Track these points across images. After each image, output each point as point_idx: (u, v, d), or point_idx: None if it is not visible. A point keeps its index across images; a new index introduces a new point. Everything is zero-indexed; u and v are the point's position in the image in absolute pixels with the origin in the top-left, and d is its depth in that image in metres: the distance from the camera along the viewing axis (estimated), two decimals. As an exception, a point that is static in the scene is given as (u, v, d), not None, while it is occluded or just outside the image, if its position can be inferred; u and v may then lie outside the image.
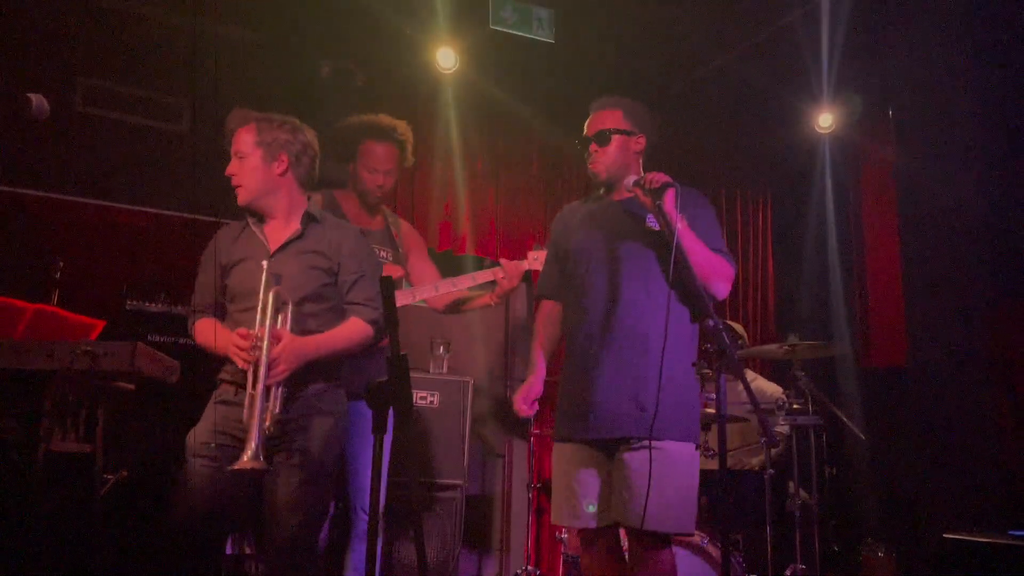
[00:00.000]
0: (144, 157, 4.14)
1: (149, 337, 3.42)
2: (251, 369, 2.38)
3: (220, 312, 2.65)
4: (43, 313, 2.63)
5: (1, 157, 3.71)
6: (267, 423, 2.35)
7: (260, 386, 2.35)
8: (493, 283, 3.26)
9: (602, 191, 2.82)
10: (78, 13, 4.07)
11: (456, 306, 3.47)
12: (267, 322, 2.41)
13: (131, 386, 2.69)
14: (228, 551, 3.30)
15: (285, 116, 2.67)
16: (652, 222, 2.63)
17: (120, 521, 2.82)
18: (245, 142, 2.60)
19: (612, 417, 2.51)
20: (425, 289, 3.33)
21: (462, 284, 3.29)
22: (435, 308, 3.50)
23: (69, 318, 2.68)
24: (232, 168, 2.61)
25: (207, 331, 2.58)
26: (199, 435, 2.49)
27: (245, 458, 2.26)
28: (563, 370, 2.71)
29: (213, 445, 2.42)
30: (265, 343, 2.39)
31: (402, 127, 3.40)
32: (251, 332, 2.42)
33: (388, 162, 3.35)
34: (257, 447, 2.28)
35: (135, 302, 3.49)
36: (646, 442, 2.44)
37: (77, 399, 2.49)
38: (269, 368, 2.37)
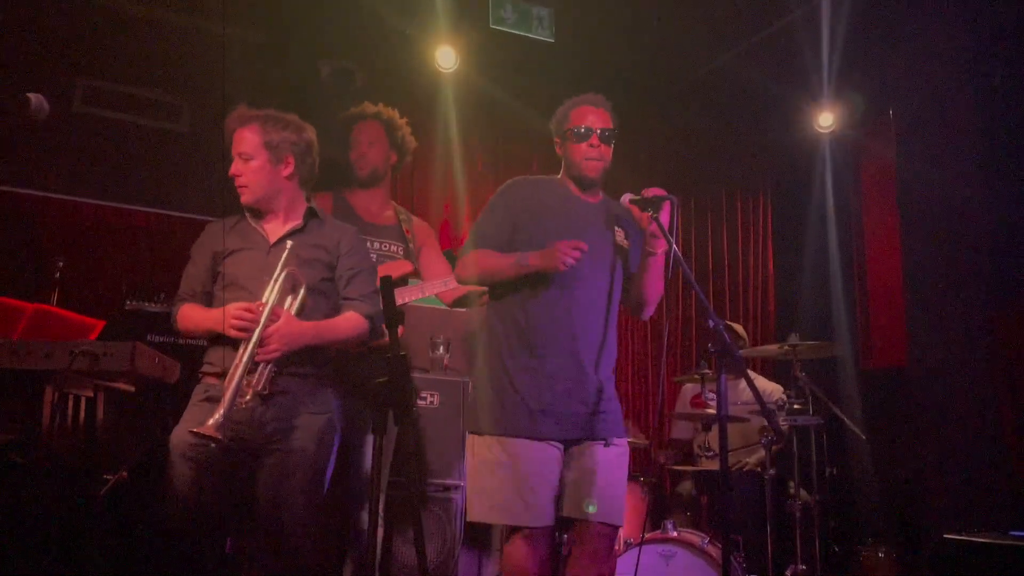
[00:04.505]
0: (144, 157, 4.14)
1: (149, 337, 3.42)
2: (244, 342, 2.35)
3: (207, 302, 2.60)
4: (43, 313, 2.63)
5: (1, 157, 3.71)
6: (246, 397, 2.31)
7: (246, 356, 2.31)
8: None
9: (564, 178, 2.70)
10: (78, 13, 4.07)
11: (465, 301, 3.56)
12: (273, 297, 2.40)
13: (131, 386, 2.69)
14: (228, 551, 3.29)
15: (285, 113, 2.65)
16: (620, 236, 2.67)
17: (120, 521, 2.81)
18: (250, 143, 2.57)
19: (607, 417, 2.57)
20: (432, 285, 3.40)
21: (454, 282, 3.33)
22: (444, 302, 3.62)
23: (69, 318, 2.68)
24: (236, 168, 2.58)
25: (194, 312, 2.55)
26: (186, 435, 2.39)
27: (210, 422, 2.21)
28: (523, 360, 2.51)
29: (210, 446, 2.32)
30: (264, 318, 2.36)
31: (387, 110, 3.49)
32: (253, 304, 2.39)
33: (367, 134, 3.43)
34: (224, 416, 2.22)
35: (135, 302, 3.49)
36: (613, 440, 2.56)
37: (77, 399, 2.50)
38: (261, 343, 2.35)
